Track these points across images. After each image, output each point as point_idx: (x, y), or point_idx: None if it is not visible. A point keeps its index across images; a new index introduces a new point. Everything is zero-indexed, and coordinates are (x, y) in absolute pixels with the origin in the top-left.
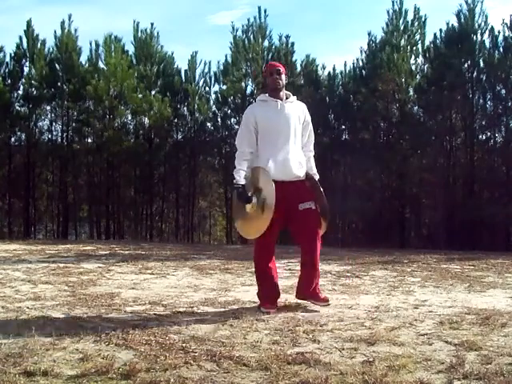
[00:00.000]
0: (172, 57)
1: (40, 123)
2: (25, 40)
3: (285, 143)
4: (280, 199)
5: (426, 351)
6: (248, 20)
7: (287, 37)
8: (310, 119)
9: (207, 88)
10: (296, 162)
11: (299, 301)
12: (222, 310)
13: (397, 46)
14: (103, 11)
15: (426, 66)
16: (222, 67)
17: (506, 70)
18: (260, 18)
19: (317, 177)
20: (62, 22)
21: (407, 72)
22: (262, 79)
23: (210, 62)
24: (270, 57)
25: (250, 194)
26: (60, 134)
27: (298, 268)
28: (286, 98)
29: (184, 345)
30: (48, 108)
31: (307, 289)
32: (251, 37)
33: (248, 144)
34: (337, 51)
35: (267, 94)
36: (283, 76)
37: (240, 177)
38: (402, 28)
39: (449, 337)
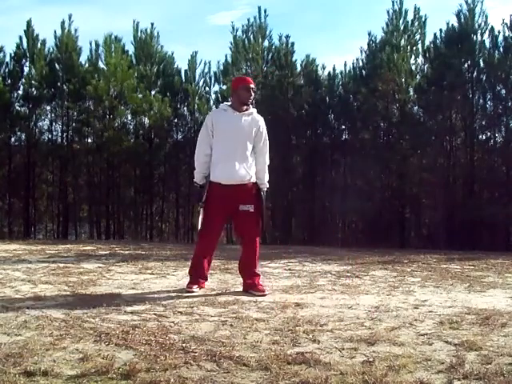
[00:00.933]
0: (172, 57)
1: (40, 123)
2: (25, 40)
3: (235, 151)
4: (222, 198)
5: (426, 351)
6: (248, 20)
7: (287, 37)
8: (266, 133)
9: (207, 88)
10: (242, 168)
11: (299, 301)
12: (222, 309)
13: (397, 46)
14: (103, 11)
15: (425, 66)
16: (222, 67)
17: (506, 70)
18: (260, 17)
19: (264, 186)
20: (62, 22)
21: (407, 72)
22: (231, 90)
23: (209, 62)
24: (269, 57)
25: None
26: (60, 134)
27: (298, 268)
28: (246, 110)
29: (184, 345)
30: (48, 108)
31: (249, 279)
32: (251, 37)
33: (206, 146)
34: (337, 51)
35: (229, 104)
36: (253, 94)
37: (199, 177)
38: (401, 28)
39: (449, 337)
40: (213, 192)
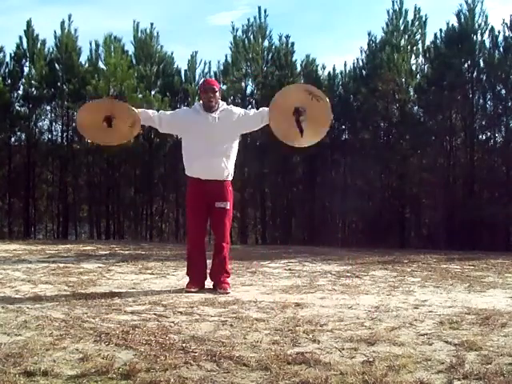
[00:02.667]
0: (172, 57)
1: (40, 123)
2: (25, 40)
3: (208, 149)
4: (202, 194)
5: (426, 351)
6: (248, 20)
7: (287, 37)
8: (240, 109)
9: None
10: (221, 163)
11: (299, 301)
12: (222, 309)
13: (397, 46)
14: (103, 11)
15: (426, 66)
16: (222, 67)
17: (506, 70)
18: (260, 18)
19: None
20: (62, 22)
21: (407, 72)
22: (198, 93)
23: (210, 62)
24: (269, 57)
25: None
26: (60, 134)
27: (298, 268)
28: (214, 110)
29: (184, 345)
30: (48, 108)
31: (216, 276)
32: (251, 37)
33: (168, 114)
34: (337, 51)
35: (202, 105)
36: (217, 94)
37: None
38: (402, 28)
39: (449, 337)
40: (192, 188)
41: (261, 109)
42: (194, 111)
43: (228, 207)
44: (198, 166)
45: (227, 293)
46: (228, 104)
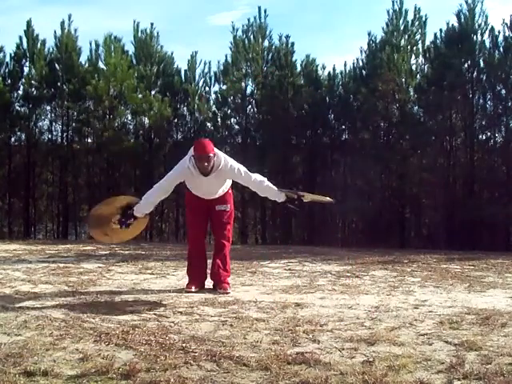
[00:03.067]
0: (172, 57)
1: (40, 123)
2: (25, 40)
3: (207, 195)
4: (203, 203)
5: (426, 351)
6: (248, 20)
7: (287, 37)
8: (237, 171)
9: (207, 88)
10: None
11: (299, 301)
12: (222, 309)
13: (397, 46)
14: (103, 11)
15: (426, 66)
16: (222, 67)
17: (506, 70)
18: (260, 18)
19: (281, 197)
20: (62, 22)
21: (407, 72)
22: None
23: (210, 62)
24: (269, 57)
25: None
26: (60, 134)
27: (298, 268)
28: (209, 174)
29: (184, 345)
30: (48, 108)
31: (216, 275)
32: (251, 37)
33: (168, 184)
34: (337, 51)
35: (198, 170)
36: (212, 160)
37: (139, 210)
38: (402, 28)
39: (449, 337)
40: (191, 194)
41: (257, 179)
42: (190, 174)
43: (228, 209)
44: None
45: (227, 293)
46: (227, 104)
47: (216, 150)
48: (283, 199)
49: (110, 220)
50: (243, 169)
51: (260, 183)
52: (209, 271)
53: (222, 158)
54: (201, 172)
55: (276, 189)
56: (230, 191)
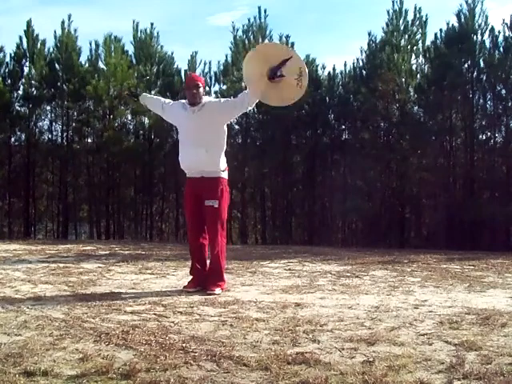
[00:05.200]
0: (172, 57)
1: (40, 123)
2: (25, 40)
3: (192, 144)
4: (195, 193)
5: (426, 351)
6: (248, 20)
7: (287, 37)
8: (223, 100)
9: (207, 88)
10: (202, 161)
11: (299, 301)
12: (222, 309)
13: (397, 46)
14: (103, 11)
15: (426, 66)
16: (222, 67)
17: (506, 70)
18: (260, 18)
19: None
20: (62, 22)
21: (407, 72)
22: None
23: (210, 62)
24: None
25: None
26: (60, 134)
27: (298, 268)
28: (197, 105)
29: (184, 345)
30: (48, 108)
31: (206, 279)
32: (251, 37)
33: (164, 101)
34: (337, 51)
35: (187, 98)
36: (201, 89)
37: (143, 97)
38: (402, 28)
39: (449, 337)
40: (187, 189)
41: (240, 96)
42: (182, 106)
43: (216, 205)
44: (182, 157)
45: (215, 294)
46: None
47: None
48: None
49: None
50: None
51: (244, 95)
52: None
53: (209, 96)
54: (189, 102)
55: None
56: (223, 187)
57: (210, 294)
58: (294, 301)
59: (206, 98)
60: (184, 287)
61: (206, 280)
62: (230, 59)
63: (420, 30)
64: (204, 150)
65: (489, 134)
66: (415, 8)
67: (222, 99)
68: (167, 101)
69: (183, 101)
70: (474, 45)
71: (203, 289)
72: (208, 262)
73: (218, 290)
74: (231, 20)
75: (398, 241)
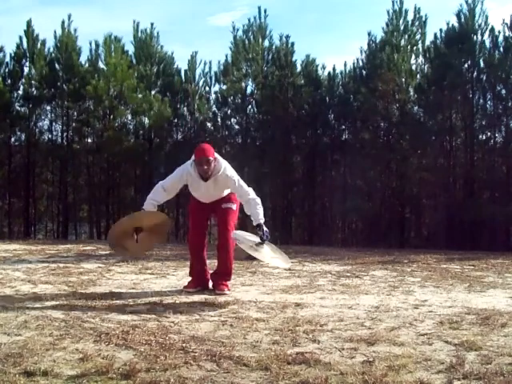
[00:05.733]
0: (172, 57)
1: (40, 123)
2: (25, 40)
3: (207, 198)
4: (205, 206)
5: (426, 351)
6: (248, 20)
7: (287, 37)
8: (236, 183)
9: (207, 88)
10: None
11: (299, 301)
12: (222, 310)
13: (397, 46)
14: (103, 11)
15: (426, 66)
16: (222, 67)
17: (506, 70)
18: (260, 18)
19: (257, 222)
20: (62, 22)
21: (407, 72)
22: (193, 159)
23: (210, 62)
24: (270, 57)
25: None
26: (60, 134)
27: (298, 268)
28: (208, 178)
29: (184, 345)
30: (48, 108)
31: (218, 278)
32: (251, 37)
33: (170, 185)
34: (337, 51)
35: (198, 174)
36: (211, 164)
37: (148, 204)
38: (402, 28)
39: (449, 337)
40: (194, 198)
41: (252, 198)
42: (191, 177)
43: (234, 208)
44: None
45: (224, 294)
46: (227, 104)
47: (218, 157)
48: (257, 222)
49: (129, 236)
50: (242, 182)
51: (254, 204)
52: (211, 271)
53: (223, 166)
54: (201, 176)
55: (261, 214)
56: (234, 196)
57: (221, 294)
58: (293, 301)
59: (220, 169)
60: (184, 287)
61: (215, 280)
62: (230, 59)
63: (420, 30)
64: (216, 199)
65: (489, 133)
66: (415, 8)
67: (235, 181)
68: (167, 184)
69: (191, 171)
70: (473, 45)
71: (204, 289)
72: (208, 262)
73: (227, 290)
74: (231, 20)
75: (398, 241)
